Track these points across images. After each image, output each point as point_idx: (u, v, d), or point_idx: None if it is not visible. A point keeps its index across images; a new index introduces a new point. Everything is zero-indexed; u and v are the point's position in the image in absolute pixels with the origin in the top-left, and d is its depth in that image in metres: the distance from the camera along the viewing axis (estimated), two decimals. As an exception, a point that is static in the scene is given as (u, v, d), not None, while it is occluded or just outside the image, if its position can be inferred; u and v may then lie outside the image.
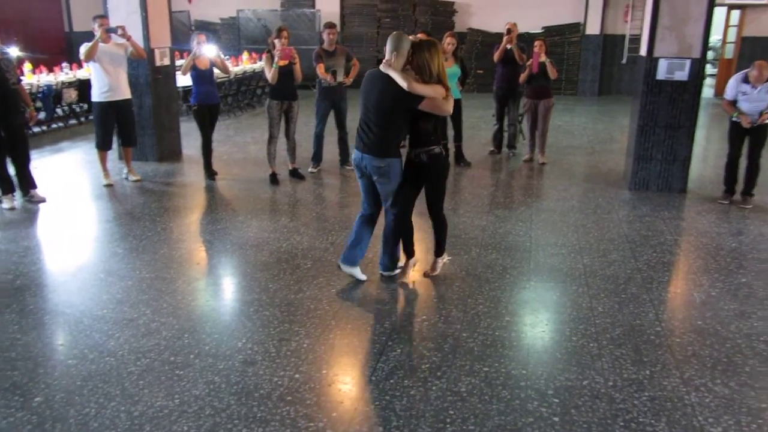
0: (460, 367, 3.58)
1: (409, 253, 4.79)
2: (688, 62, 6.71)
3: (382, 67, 4.22)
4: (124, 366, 3.55)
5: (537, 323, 4.12)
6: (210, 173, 7.61)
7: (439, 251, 4.77)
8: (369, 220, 4.66)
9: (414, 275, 4.81)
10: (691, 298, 4.51)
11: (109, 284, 4.65)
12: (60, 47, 16.07)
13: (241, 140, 10.01)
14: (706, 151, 9.62)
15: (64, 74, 11.08)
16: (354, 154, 4.47)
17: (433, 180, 4.50)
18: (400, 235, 4.65)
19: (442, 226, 4.67)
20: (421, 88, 4.14)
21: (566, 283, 4.72)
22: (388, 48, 4.23)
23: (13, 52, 6.45)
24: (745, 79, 6.34)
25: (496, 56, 8.44)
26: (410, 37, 4.34)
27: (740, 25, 15.48)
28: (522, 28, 10.17)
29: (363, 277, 4.68)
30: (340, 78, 7.58)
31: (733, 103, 6.45)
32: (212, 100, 7.48)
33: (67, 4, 16.50)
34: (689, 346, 3.82)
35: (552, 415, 3.16)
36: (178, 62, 9.85)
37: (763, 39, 15.02)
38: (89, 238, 5.71)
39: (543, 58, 8.04)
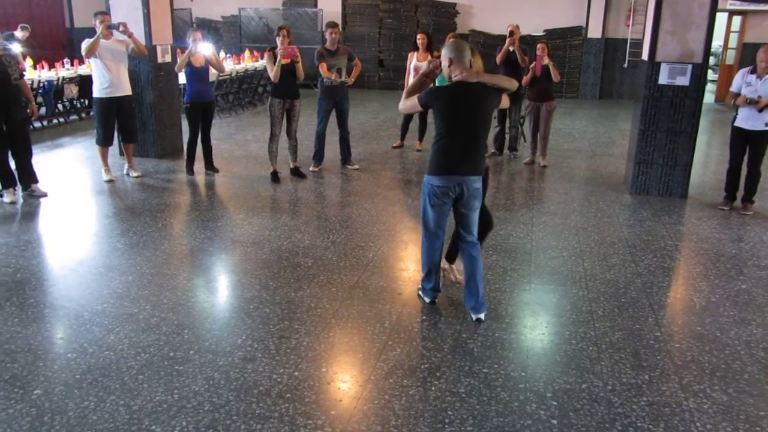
0: (459, 367, 3.58)
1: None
2: (689, 67, 6.72)
3: (469, 78, 3.89)
4: (123, 360, 3.55)
5: (537, 326, 4.12)
6: (191, 168, 7.68)
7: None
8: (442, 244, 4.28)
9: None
10: (690, 304, 4.51)
11: (109, 279, 4.65)
12: (61, 43, 16.07)
13: (242, 138, 10.01)
14: (707, 156, 9.64)
15: (66, 70, 11.11)
16: (444, 180, 3.93)
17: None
18: None
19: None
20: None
21: (566, 286, 4.72)
22: (460, 57, 3.90)
23: (16, 47, 6.44)
24: (753, 71, 6.33)
25: (498, 58, 8.44)
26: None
27: (741, 31, 15.52)
28: (524, 31, 10.19)
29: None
30: (342, 77, 7.59)
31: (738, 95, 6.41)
32: (206, 98, 7.51)
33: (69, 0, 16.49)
34: (688, 351, 3.83)
35: (550, 418, 3.16)
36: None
37: (764, 45, 15.03)
38: (90, 233, 5.70)
39: (546, 60, 8.05)
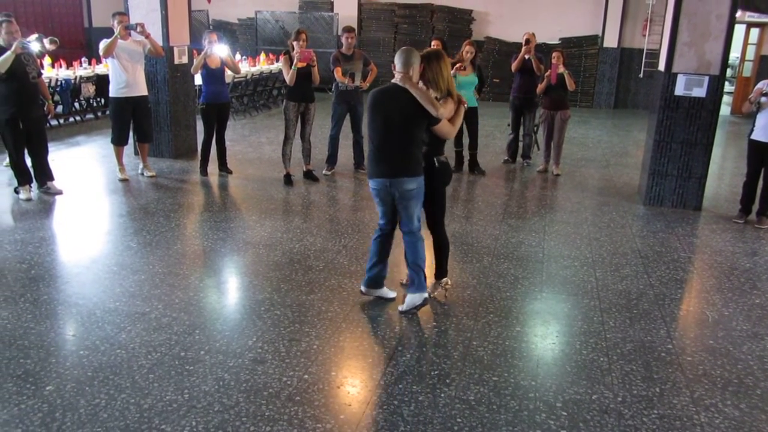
0: (469, 375, 3.57)
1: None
2: (706, 79, 6.68)
3: (399, 82, 4.00)
4: (135, 359, 3.57)
5: (548, 335, 4.11)
6: (205, 169, 7.74)
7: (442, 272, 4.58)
8: (389, 238, 4.38)
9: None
10: (703, 317, 4.48)
11: (122, 277, 4.68)
12: (80, 42, 16.21)
13: (256, 140, 10.06)
14: (722, 169, 9.57)
15: (83, 69, 11.19)
16: (373, 183, 4.14)
17: (443, 187, 4.38)
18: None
19: (446, 243, 4.53)
20: (444, 112, 4.04)
21: (578, 296, 4.70)
22: (401, 63, 4.01)
23: (34, 46, 6.50)
24: None
25: (514, 66, 8.45)
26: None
27: (759, 44, 15.41)
28: (539, 39, 10.18)
29: (392, 294, 4.48)
30: (357, 82, 7.61)
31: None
32: (221, 99, 7.56)
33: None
34: (700, 365, 3.80)
35: (560, 428, 3.14)
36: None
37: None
38: (103, 232, 5.74)
39: (561, 69, 8.03)
